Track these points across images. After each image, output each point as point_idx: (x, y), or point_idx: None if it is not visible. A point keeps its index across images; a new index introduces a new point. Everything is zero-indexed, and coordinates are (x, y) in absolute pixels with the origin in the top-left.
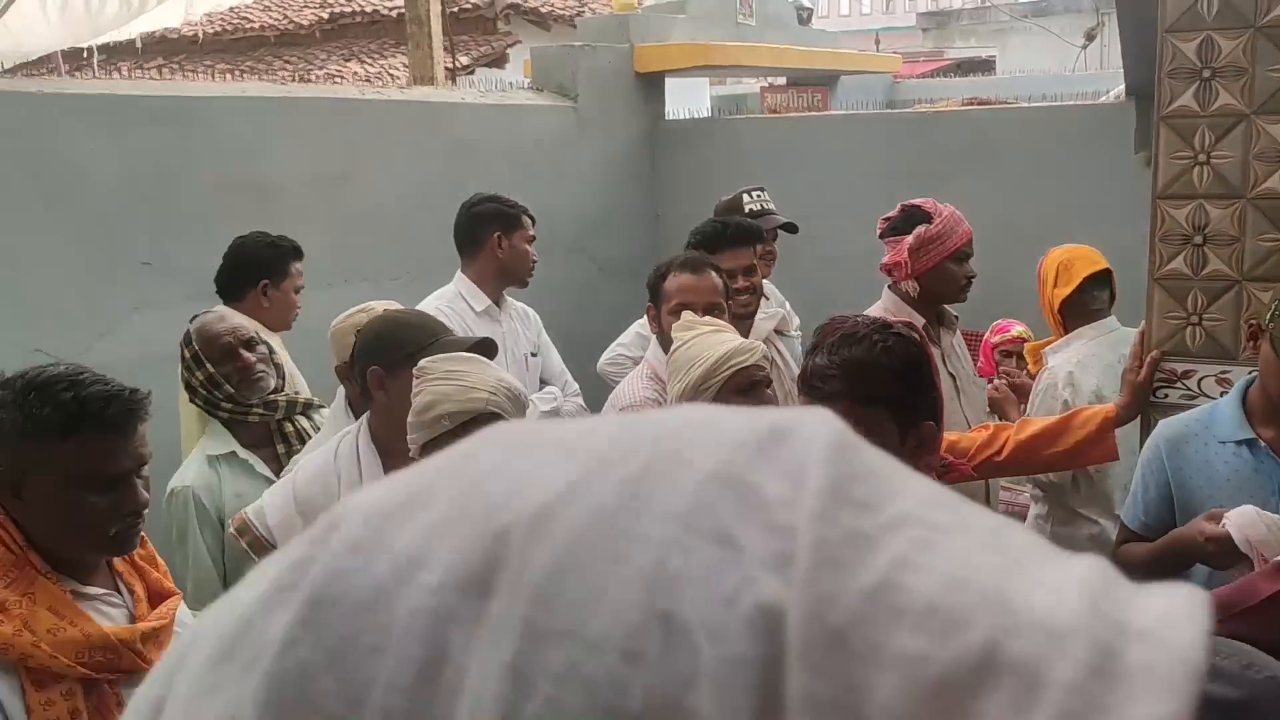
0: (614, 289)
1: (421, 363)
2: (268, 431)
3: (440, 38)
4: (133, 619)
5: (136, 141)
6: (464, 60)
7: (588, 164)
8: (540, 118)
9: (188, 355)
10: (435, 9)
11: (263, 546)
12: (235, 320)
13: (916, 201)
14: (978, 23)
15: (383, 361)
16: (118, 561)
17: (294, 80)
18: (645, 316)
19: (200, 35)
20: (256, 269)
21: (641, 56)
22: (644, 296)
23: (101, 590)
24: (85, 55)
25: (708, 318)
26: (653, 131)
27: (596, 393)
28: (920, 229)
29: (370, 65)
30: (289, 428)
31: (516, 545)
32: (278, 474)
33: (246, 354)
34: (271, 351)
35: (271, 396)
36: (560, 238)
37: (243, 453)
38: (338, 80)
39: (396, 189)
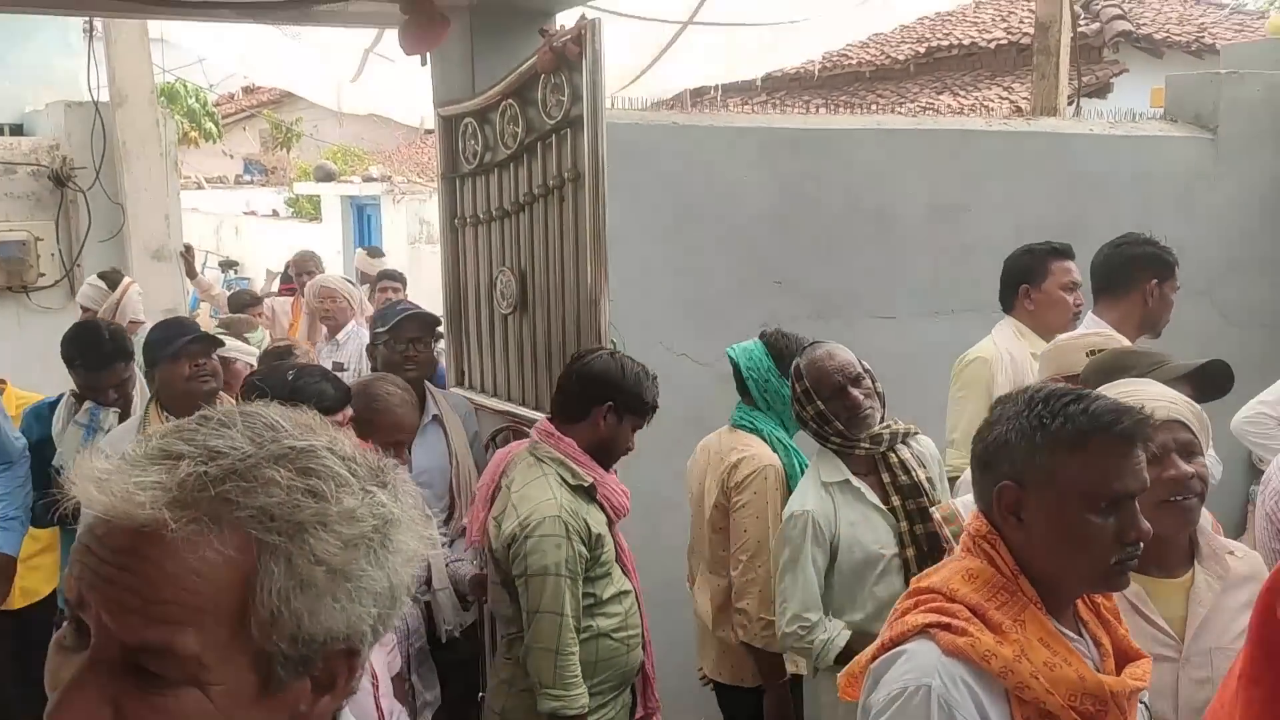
0: (1239, 340)
1: (1100, 388)
2: (873, 461)
3: (1067, 68)
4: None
5: (779, 169)
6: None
7: (1223, 200)
8: (1172, 150)
9: (798, 390)
10: (1066, 39)
11: None
12: (843, 357)
13: None
14: None
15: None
16: (1082, 609)
17: (885, 113)
18: None
19: (814, 72)
20: (1014, 277)
21: None
22: (1277, 350)
23: (1070, 633)
24: (713, 91)
25: None
26: None
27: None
28: None
29: (964, 98)
30: (893, 458)
31: None
32: (884, 502)
33: (854, 392)
34: (875, 382)
35: (877, 430)
36: (1181, 280)
37: (855, 481)
38: (929, 113)
39: (1013, 220)
